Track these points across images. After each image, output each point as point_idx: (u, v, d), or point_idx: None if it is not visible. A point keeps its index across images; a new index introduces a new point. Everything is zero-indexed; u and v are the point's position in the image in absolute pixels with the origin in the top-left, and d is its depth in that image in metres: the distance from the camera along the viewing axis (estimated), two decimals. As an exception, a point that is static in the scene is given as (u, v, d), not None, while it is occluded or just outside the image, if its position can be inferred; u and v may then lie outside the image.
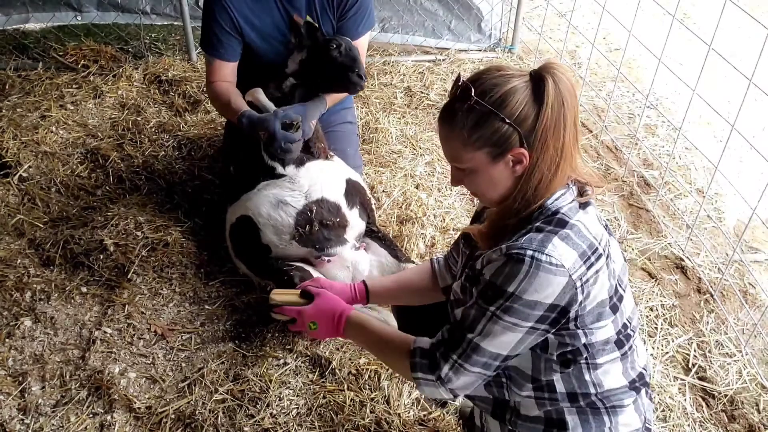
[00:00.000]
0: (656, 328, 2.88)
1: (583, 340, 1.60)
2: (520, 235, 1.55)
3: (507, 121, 1.51)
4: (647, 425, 1.75)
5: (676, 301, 3.03)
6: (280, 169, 2.75)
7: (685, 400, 2.60)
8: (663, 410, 2.55)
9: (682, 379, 2.69)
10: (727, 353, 2.81)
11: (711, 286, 3.10)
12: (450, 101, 1.61)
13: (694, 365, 2.75)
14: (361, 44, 3.07)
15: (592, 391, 1.66)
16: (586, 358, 1.62)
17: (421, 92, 4.44)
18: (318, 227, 2.65)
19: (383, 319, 2.70)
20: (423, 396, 2.47)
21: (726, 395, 2.64)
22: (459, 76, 1.60)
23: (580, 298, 1.52)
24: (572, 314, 1.54)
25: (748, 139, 3.33)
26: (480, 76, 1.57)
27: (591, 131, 4.21)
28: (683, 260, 3.25)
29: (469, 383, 1.64)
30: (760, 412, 2.59)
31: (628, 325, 1.67)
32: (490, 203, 1.72)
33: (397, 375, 2.52)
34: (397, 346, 1.77)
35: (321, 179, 2.74)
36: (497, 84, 1.53)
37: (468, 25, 4.99)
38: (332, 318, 1.89)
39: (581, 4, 5.79)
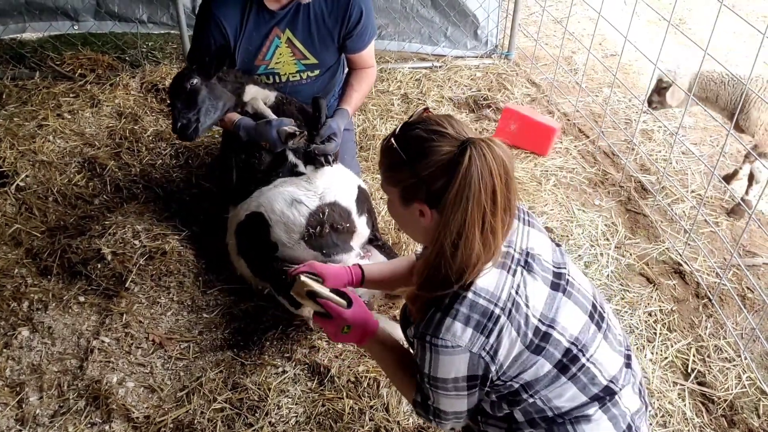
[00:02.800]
0: (655, 333, 2.88)
1: (516, 386, 1.64)
2: (427, 312, 1.60)
3: (416, 174, 1.53)
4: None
5: (674, 306, 3.03)
6: (301, 168, 2.83)
7: (685, 405, 2.60)
8: (663, 415, 2.55)
9: (681, 385, 2.69)
10: (726, 358, 2.81)
11: (709, 291, 3.10)
12: (390, 133, 1.65)
13: (693, 370, 2.75)
14: (368, 53, 3.18)
15: (550, 414, 1.69)
16: (531, 395, 1.66)
17: (418, 99, 4.45)
18: (328, 230, 2.67)
19: (381, 326, 2.69)
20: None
21: (725, 400, 2.64)
22: (426, 109, 1.66)
23: (493, 365, 1.59)
24: (493, 375, 1.61)
25: (744, 144, 3.35)
26: (417, 123, 1.58)
27: (588, 137, 4.22)
28: (681, 265, 3.25)
29: (454, 425, 1.79)
30: (759, 417, 2.59)
31: (572, 349, 1.65)
32: (414, 239, 1.77)
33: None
34: (405, 384, 1.87)
35: (336, 183, 2.78)
36: (424, 138, 1.54)
37: (464, 32, 5.01)
38: (363, 328, 1.92)
39: (577, 10, 5.82)
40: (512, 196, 1.54)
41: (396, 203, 1.65)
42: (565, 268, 1.73)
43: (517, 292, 1.61)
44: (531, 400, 1.66)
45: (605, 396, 1.69)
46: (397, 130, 1.60)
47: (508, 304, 1.59)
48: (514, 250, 1.67)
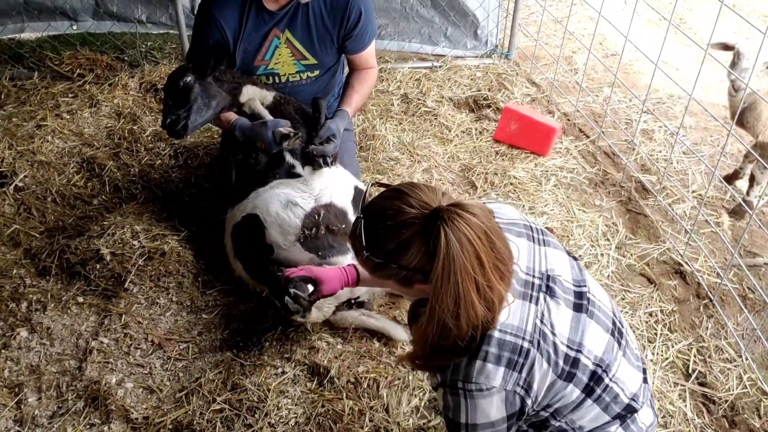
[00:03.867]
0: (656, 333, 2.87)
1: (546, 414, 1.64)
2: (448, 364, 1.56)
3: (404, 268, 1.51)
4: None
5: (675, 307, 3.02)
6: (298, 169, 2.83)
7: (686, 406, 2.59)
8: (664, 416, 2.54)
9: (682, 385, 2.68)
10: (727, 358, 2.80)
11: (710, 291, 3.09)
12: (351, 235, 1.60)
13: (694, 371, 2.74)
14: (369, 53, 3.16)
15: None
16: (558, 419, 1.65)
17: (418, 99, 4.43)
18: (324, 231, 2.66)
19: (381, 326, 2.69)
20: (422, 404, 2.47)
21: (726, 401, 2.63)
22: (374, 184, 1.64)
23: (528, 399, 1.56)
24: (529, 409, 1.59)
25: (745, 144, 3.34)
26: (377, 217, 1.53)
27: (588, 137, 4.21)
28: (682, 265, 3.24)
29: None
30: (760, 418, 2.58)
31: (597, 371, 1.64)
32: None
33: (396, 383, 2.51)
34: None
35: (332, 184, 2.77)
36: (394, 233, 1.49)
37: (464, 31, 5.00)
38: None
39: (577, 10, 5.81)
40: (499, 249, 1.48)
41: (396, 287, 1.63)
42: (585, 285, 1.70)
43: (542, 321, 1.58)
44: (557, 424, 1.66)
45: (626, 414, 1.69)
46: (363, 239, 1.54)
47: (536, 336, 1.56)
48: (533, 276, 1.64)
